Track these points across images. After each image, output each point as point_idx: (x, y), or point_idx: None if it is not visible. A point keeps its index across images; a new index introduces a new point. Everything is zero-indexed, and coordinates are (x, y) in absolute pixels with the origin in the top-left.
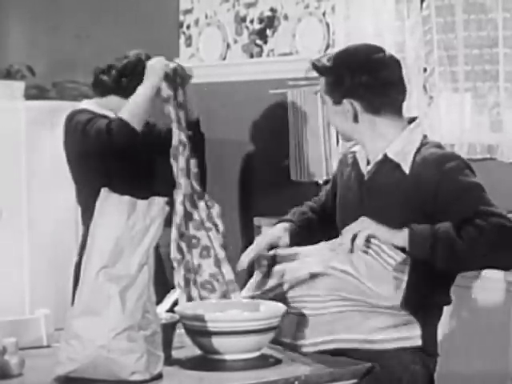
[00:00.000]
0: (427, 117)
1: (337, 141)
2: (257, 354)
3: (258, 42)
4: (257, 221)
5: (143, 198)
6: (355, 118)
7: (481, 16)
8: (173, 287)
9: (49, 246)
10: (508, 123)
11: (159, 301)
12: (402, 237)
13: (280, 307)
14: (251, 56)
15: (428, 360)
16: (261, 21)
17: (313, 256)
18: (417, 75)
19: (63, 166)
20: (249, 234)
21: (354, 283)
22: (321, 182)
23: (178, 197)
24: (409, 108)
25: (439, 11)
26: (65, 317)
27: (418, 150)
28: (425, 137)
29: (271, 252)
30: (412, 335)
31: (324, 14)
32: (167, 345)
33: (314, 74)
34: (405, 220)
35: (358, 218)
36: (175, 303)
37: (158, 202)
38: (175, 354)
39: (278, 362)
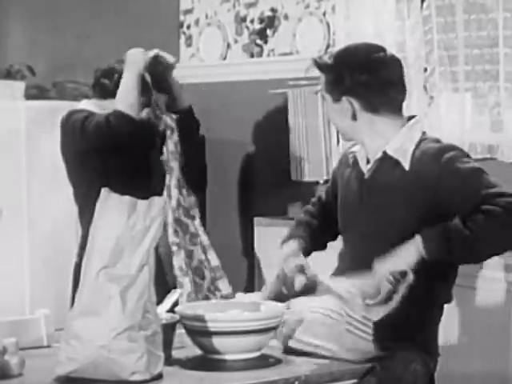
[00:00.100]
0: (427, 117)
1: (337, 141)
2: (257, 354)
3: (259, 41)
4: (257, 221)
5: (142, 198)
6: (354, 117)
7: (481, 16)
8: (174, 287)
9: (49, 246)
10: (508, 123)
11: (159, 301)
12: (415, 246)
13: (280, 307)
14: (251, 56)
15: (428, 359)
16: (261, 21)
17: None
18: (417, 75)
19: (63, 166)
20: (249, 234)
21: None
22: (321, 181)
23: (172, 180)
24: (409, 108)
25: (440, 11)
26: (65, 317)
27: (417, 146)
28: (424, 133)
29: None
30: None
31: (324, 14)
32: (167, 345)
33: (314, 73)
34: (406, 217)
35: (358, 217)
36: (175, 303)
37: (158, 202)
38: (175, 354)
39: (278, 361)
